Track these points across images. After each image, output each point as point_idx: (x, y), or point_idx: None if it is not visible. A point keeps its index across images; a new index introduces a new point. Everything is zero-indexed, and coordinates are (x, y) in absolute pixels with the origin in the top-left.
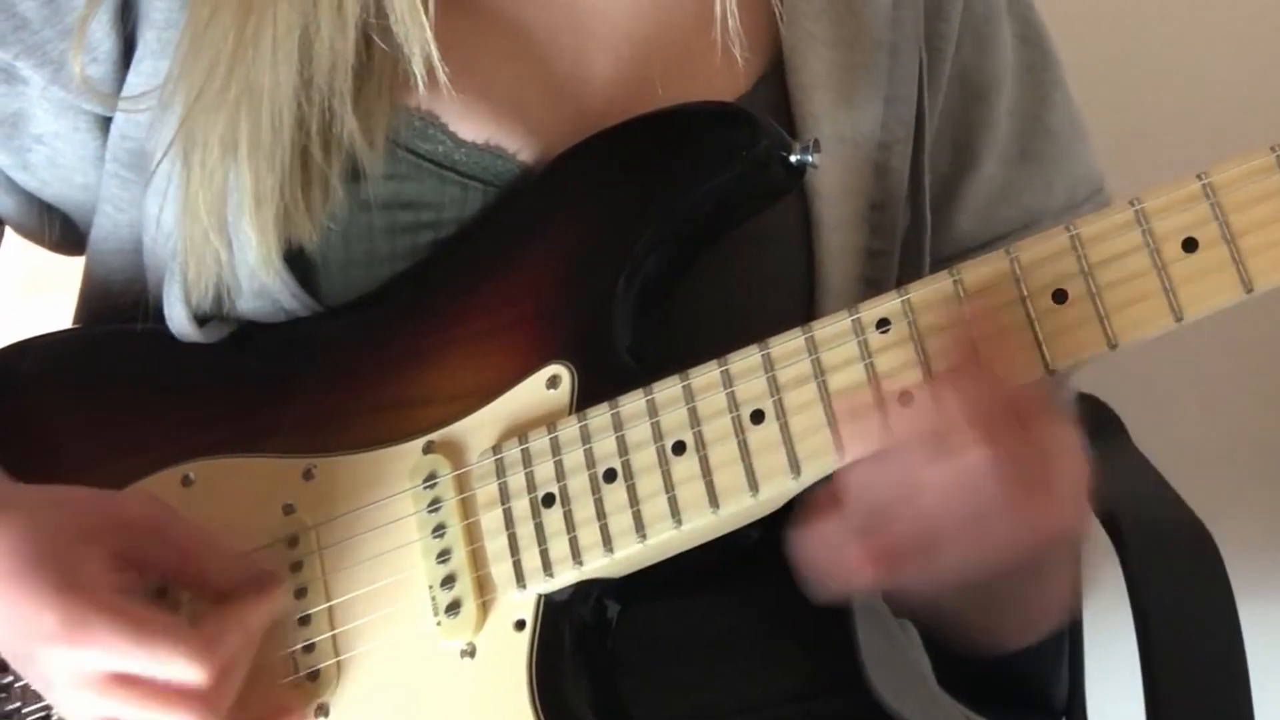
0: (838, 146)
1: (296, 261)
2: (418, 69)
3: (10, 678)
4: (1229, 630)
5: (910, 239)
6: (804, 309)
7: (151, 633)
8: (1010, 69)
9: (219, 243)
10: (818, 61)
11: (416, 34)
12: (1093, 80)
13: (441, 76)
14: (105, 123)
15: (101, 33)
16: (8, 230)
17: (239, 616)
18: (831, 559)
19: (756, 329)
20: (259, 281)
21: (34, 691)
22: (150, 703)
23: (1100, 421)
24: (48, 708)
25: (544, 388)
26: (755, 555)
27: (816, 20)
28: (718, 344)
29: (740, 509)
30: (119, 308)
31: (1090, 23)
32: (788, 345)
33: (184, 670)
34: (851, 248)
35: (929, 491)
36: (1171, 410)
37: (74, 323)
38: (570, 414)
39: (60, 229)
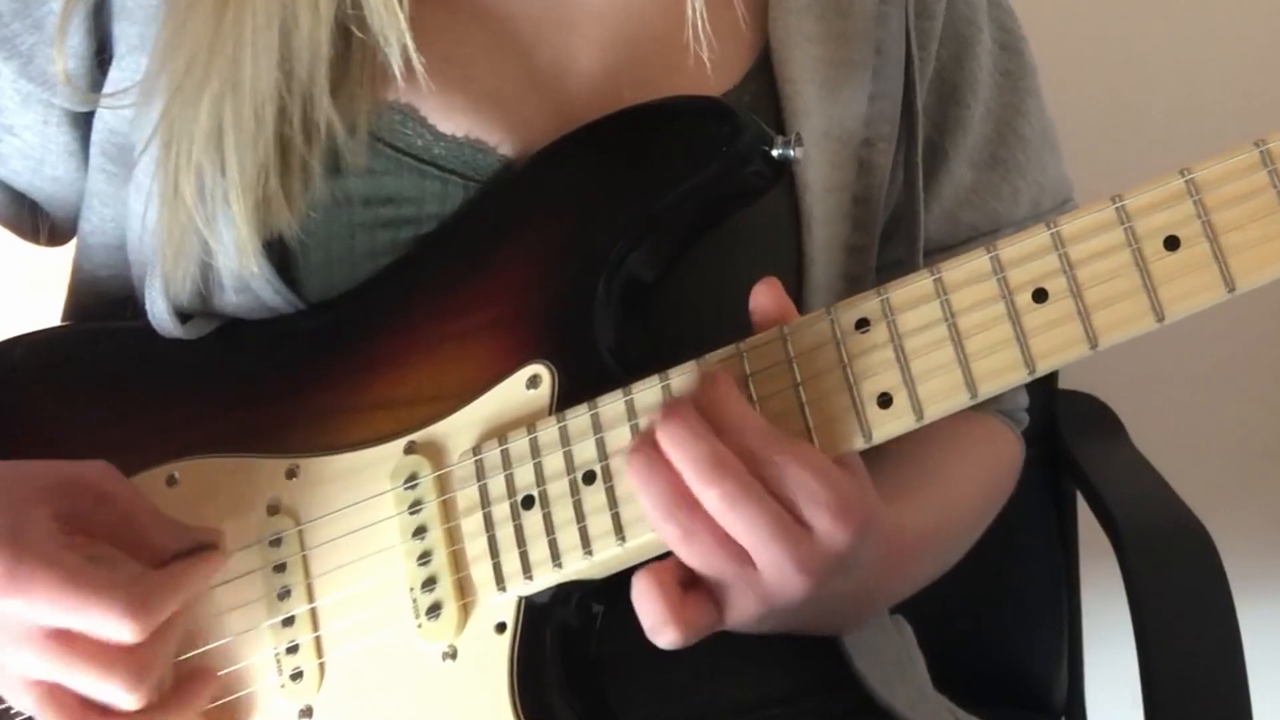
0: (824, 141)
1: (278, 257)
2: (394, 60)
3: None
4: (1227, 630)
5: (905, 234)
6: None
7: (86, 585)
8: (988, 74)
9: (204, 232)
10: (805, 56)
11: (392, 24)
12: (1077, 78)
13: (419, 67)
14: (77, 118)
15: (70, 27)
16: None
17: (175, 578)
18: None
19: (745, 325)
20: (239, 275)
21: None
22: (81, 664)
23: (1100, 421)
24: None
25: (524, 388)
26: None
27: (803, 16)
28: (706, 339)
29: None
30: (106, 304)
31: (1076, 21)
32: (766, 348)
33: (115, 625)
34: (835, 243)
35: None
36: (1171, 410)
37: (63, 318)
38: (550, 414)
39: (40, 223)
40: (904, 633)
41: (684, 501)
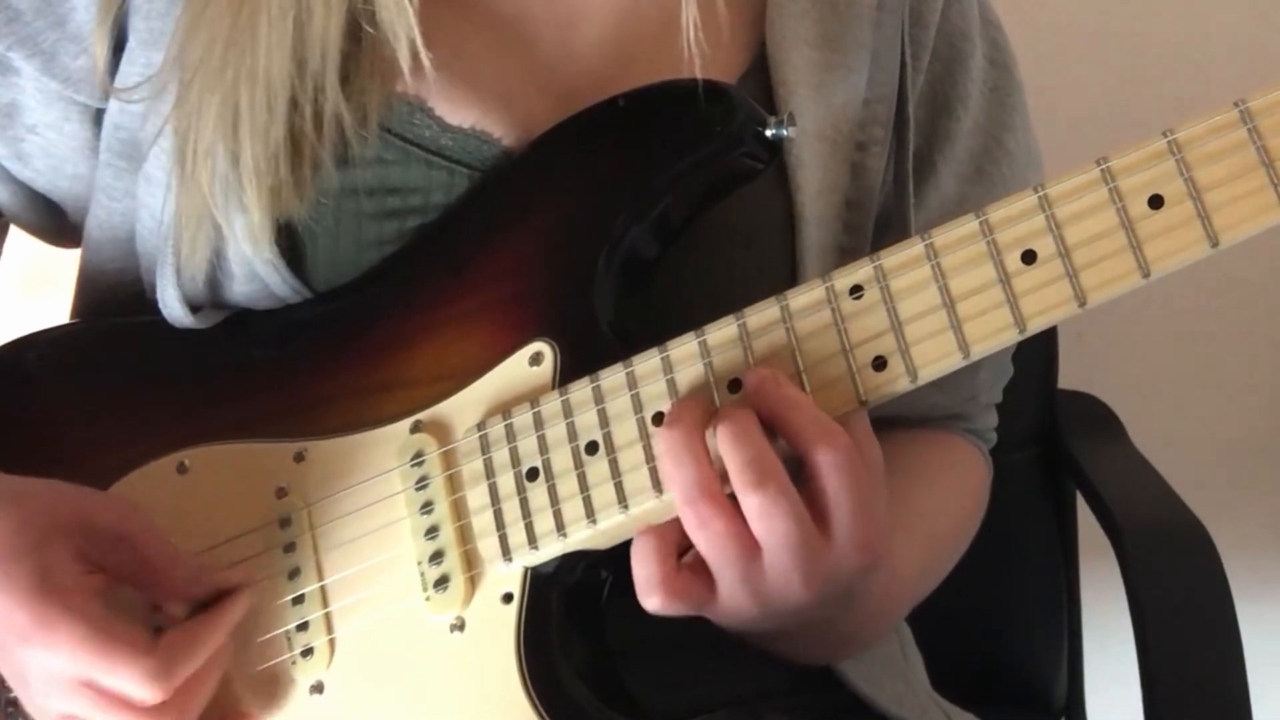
0: (817, 143)
1: (286, 247)
2: (403, 55)
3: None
4: (1227, 630)
5: (893, 241)
6: None
7: (111, 644)
8: (978, 88)
9: (218, 218)
10: (800, 59)
11: (401, 20)
12: (1067, 78)
13: (426, 62)
14: (96, 114)
15: (95, 24)
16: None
17: (196, 636)
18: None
19: None
20: (249, 262)
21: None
22: (110, 710)
23: (1099, 421)
24: None
25: (527, 365)
26: None
27: (800, 19)
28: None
29: None
30: (115, 299)
31: (1067, 20)
32: (763, 316)
33: (137, 688)
34: (827, 245)
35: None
36: (1171, 410)
37: (72, 315)
38: (553, 389)
39: (57, 222)
40: (900, 632)
41: (710, 492)
